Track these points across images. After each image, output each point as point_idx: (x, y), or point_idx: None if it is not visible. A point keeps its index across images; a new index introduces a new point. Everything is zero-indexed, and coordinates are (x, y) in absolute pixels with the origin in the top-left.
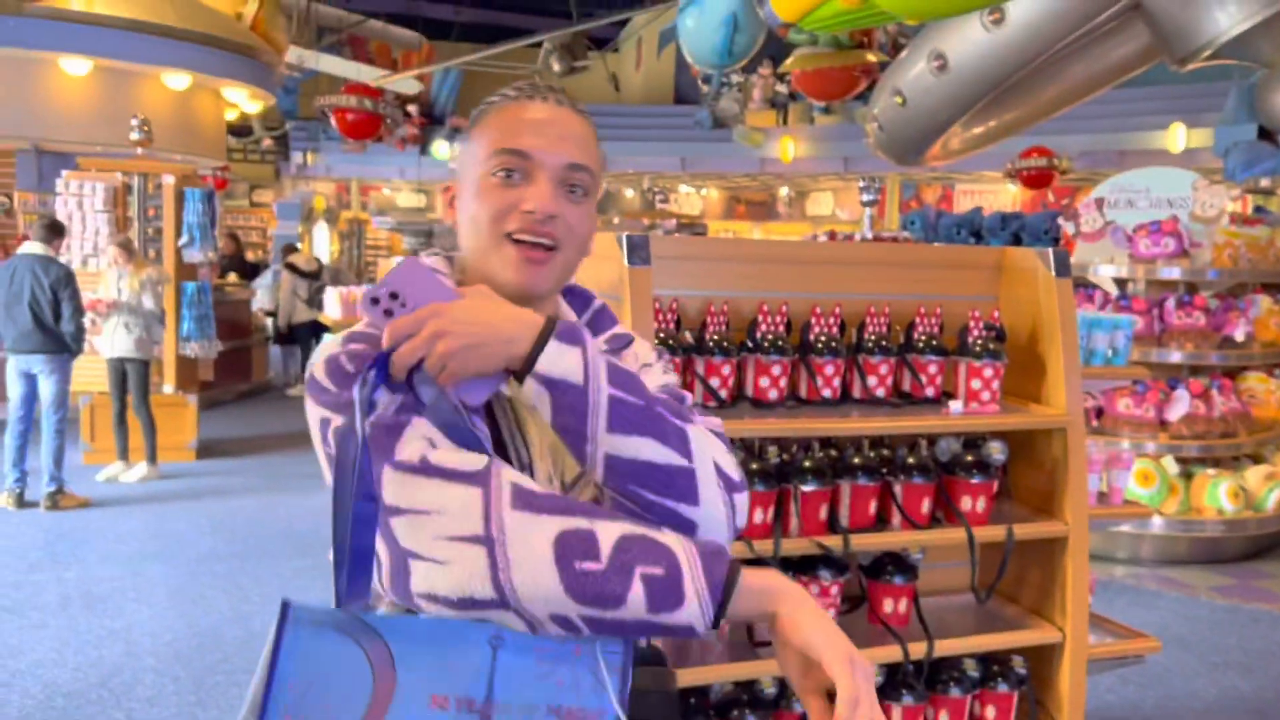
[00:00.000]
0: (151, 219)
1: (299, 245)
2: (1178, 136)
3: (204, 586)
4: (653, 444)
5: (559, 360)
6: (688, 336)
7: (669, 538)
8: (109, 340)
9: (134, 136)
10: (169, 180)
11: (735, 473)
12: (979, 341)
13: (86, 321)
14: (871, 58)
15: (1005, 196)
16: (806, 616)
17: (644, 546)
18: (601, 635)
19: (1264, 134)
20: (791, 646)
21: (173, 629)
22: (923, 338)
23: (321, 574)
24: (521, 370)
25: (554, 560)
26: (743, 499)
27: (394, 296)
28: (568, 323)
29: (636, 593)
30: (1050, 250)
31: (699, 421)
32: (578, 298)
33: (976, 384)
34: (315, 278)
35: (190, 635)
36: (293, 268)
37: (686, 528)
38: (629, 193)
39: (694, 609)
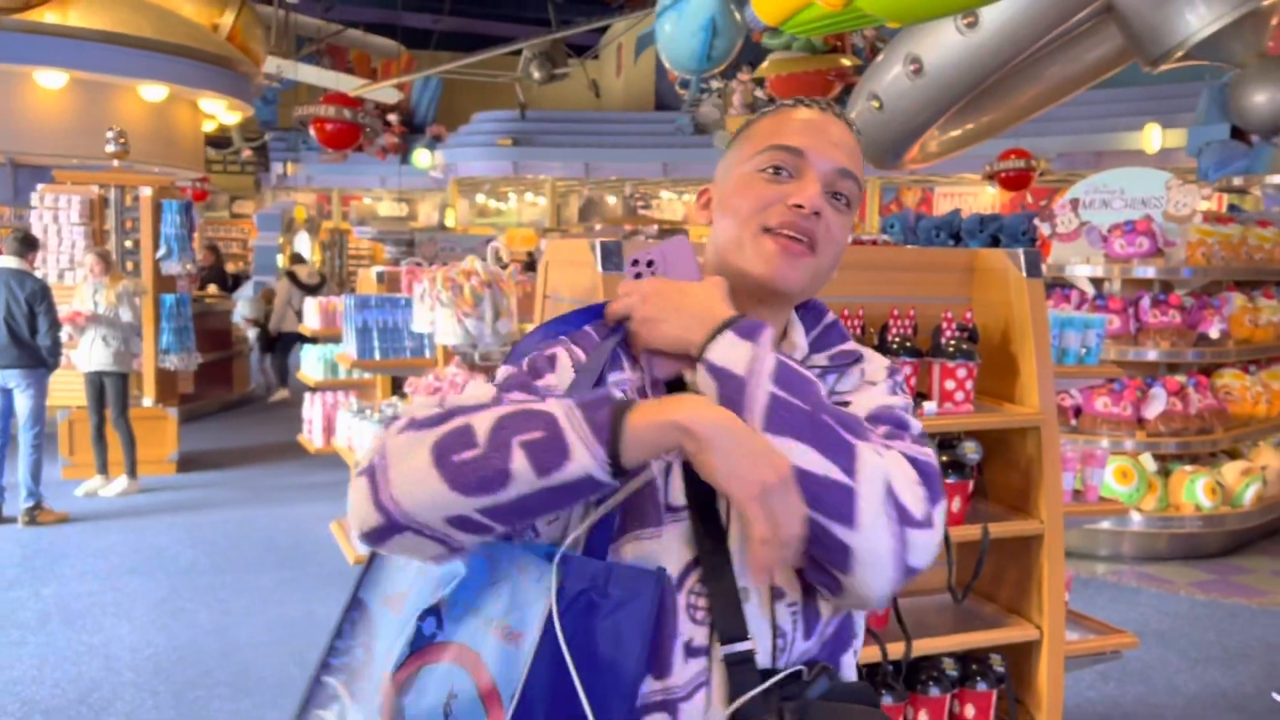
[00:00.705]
0: (129, 231)
1: (306, 257)
2: (1153, 137)
3: (184, 600)
4: (810, 452)
5: (728, 351)
6: None
7: (549, 404)
8: (86, 354)
9: (110, 149)
10: (146, 192)
11: (918, 507)
12: (952, 342)
13: (64, 335)
14: (846, 62)
15: (985, 198)
16: (711, 456)
17: (520, 418)
18: (515, 529)
19: (1236, 133)
20: None
21: (153, 643)
22: (897, 339)
23: (302, 586)
24: (695, 356)
25: (433, 464)
26: (922, 536)
27: (650, 264)
28: (750, 321)
29: (519, 463)
30: (1021, 251)
31: (898, 447)
32: (811, 311)
33: (950, 384)
34: (314, 291)
35: (170, 649)
36: (293, 277)
37: (839, 551)
38: (611, 199)
39: (582, 458)
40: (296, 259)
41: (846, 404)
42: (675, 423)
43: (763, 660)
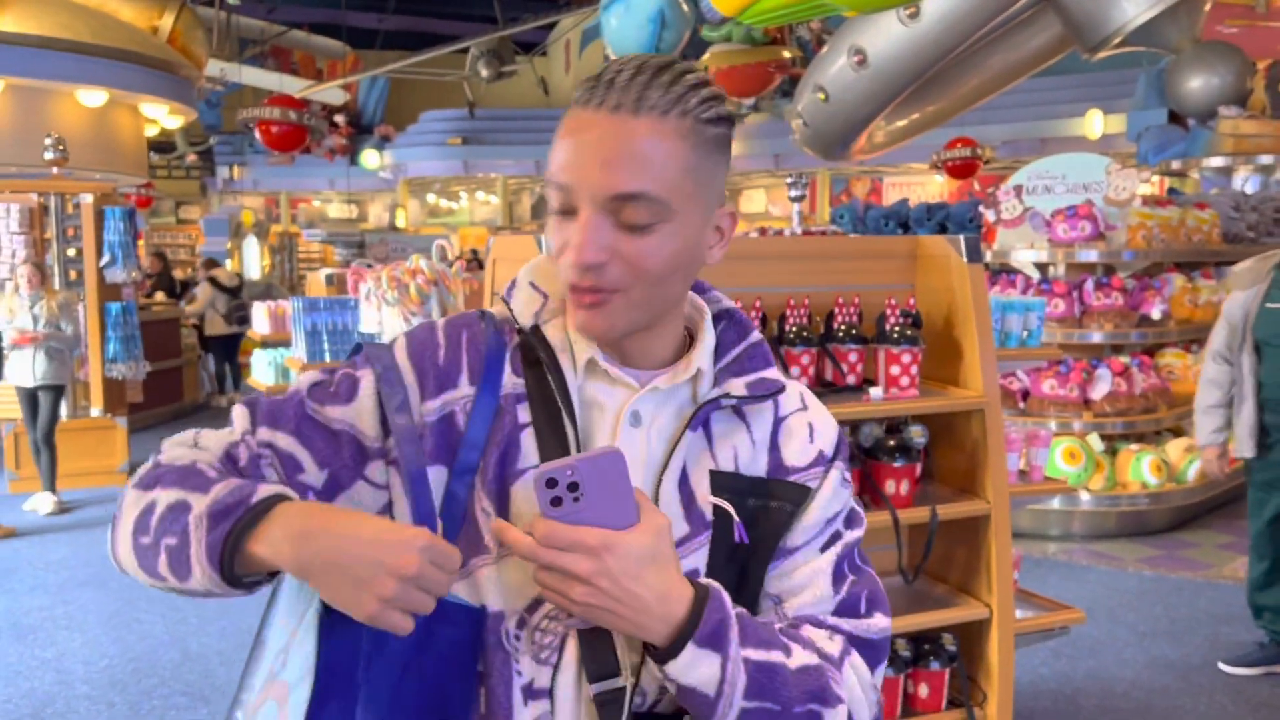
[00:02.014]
0: (71, 239)
1: (225, 261)
2: (1094, 123)
3: (138, 611)
4: None
5: (693, 669)
6: None
7: (197, 497)
8: (25, 368)
9: (48, 155)
10: (87, 199)
11: (870, 711)
12: (896, 329)
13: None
14: (786, 54)
15: (933, 187)
16: (321, 589)
17: (174, 514)
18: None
19: (1174, 118)
20: None
21: (107, 655)
22: (842, 327)
23: (259, 594)
24: (650, 654)
25: (130, 537)
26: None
27: (573, 488)
28: (713, 619)
29: (164, 565)
30: (961, 237)
31: (848, 629)
32: (735, 326)
33: (895, 370)
34: (235, 294)
35: (125, 661)
36: (214, 281)
37: None
38: None
39: (199, 576)
40: (212, 263)
41: (783, 464)
42: (281, 560)
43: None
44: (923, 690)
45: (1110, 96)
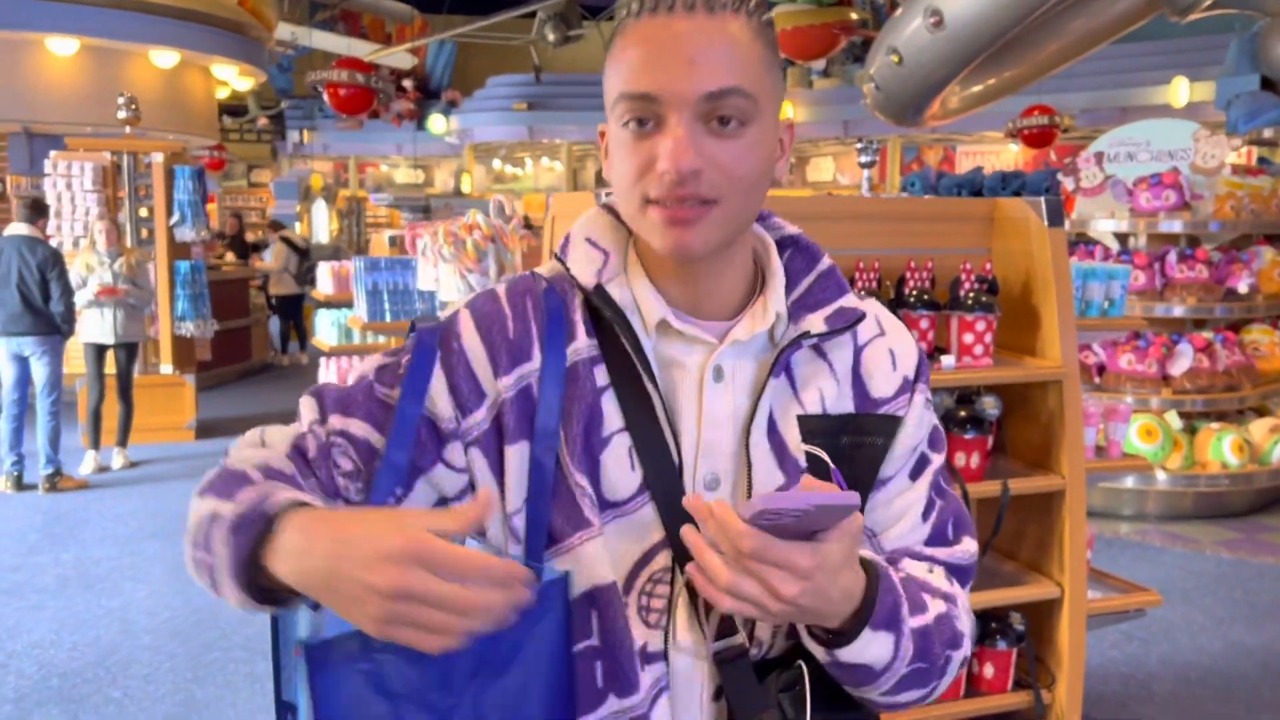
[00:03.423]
0: (142, 198)
1: (294, 225)
2: (1180, 90)
3: None
4: (912, 693)
5: (866, 650)
6: None
7: (228, 506)
8: (101, 325)
9: (121, 115)
10: (157, 158)
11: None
12: (971, 295)
13: (80, 302)
14: (854, 15)
15: (1007, 157)
16: (330, 605)
17: (208, 527)
18: None
19: (1266, 84)
20: None
21: (170, 606)
22: (914, 292)
23: None
24: (819, 636)
25: (188, 548)
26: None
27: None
28: (888, 601)
29: (206, 583)
30: (1041, 199)
31: (943, 558)
32: (803, 253)
33: (969, 338)
34: (305, 255)
35: (187, 613)
36: (288, 241)
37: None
38: None
39: (231, 594)
40: (278, 225)
41: (869, 396)
42: (289, 578)
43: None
44: (988, 670)
45: (1196, 64)
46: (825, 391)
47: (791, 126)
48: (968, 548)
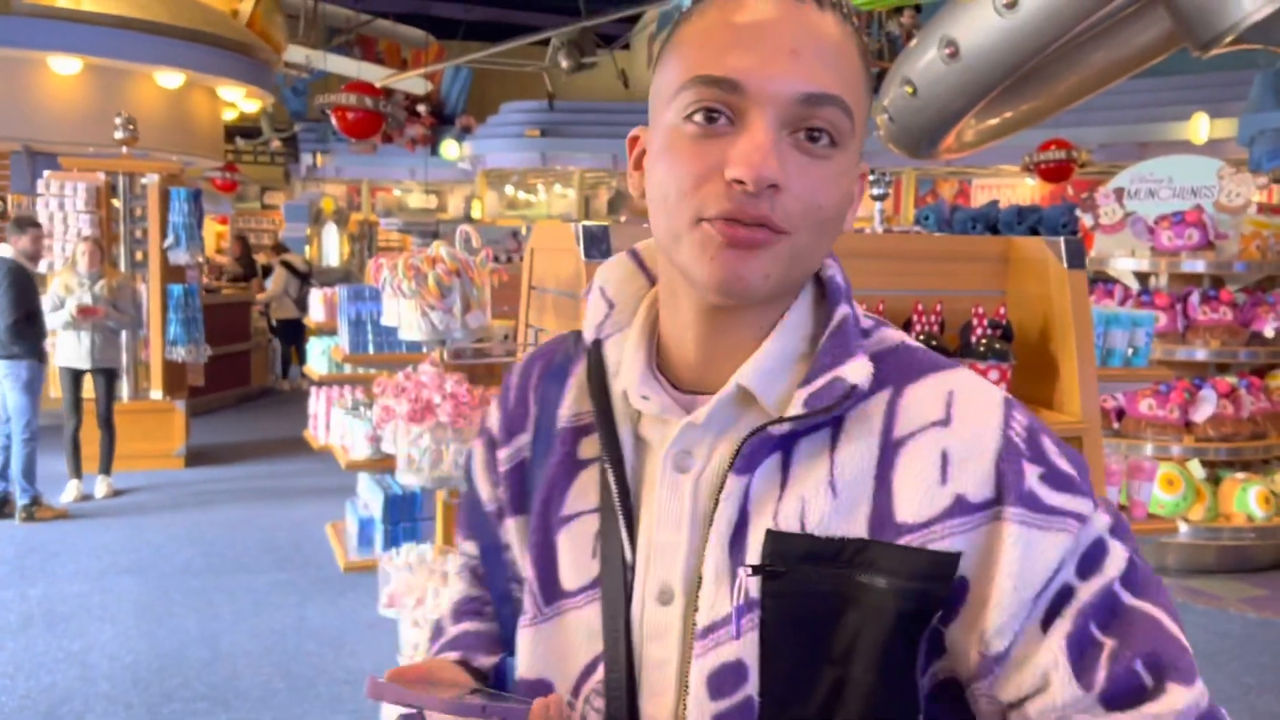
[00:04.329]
0: (138, 220)
1: (304, 248)
2: (1200, 127)
3: (173, 603)
4: None
5: None
6: None
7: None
8: (83, 350)
9: (119, 135)
10: (152, 179)
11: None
12: (983, 341)
13: (58, 325)
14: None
15: (1024, 191)
16: None
17: None
18: None
19: None
20: None
21: (134, 650)
22: (920, 337)
23: (296, 590)
24: None
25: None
26: None
27: None
28: None
29: None
30: (1061, 239)
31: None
32: (827, 299)
33: None
34: (307, 279)
35: (152, 657)
36: (288, 265)
37: None
38: None
39: None
40: (282, 248)
41: (889, 516)
42: None
43: None
44: None
45: (1217, 99)
46: (810, 502)
47: (865, 176)
48: (1178, 700)
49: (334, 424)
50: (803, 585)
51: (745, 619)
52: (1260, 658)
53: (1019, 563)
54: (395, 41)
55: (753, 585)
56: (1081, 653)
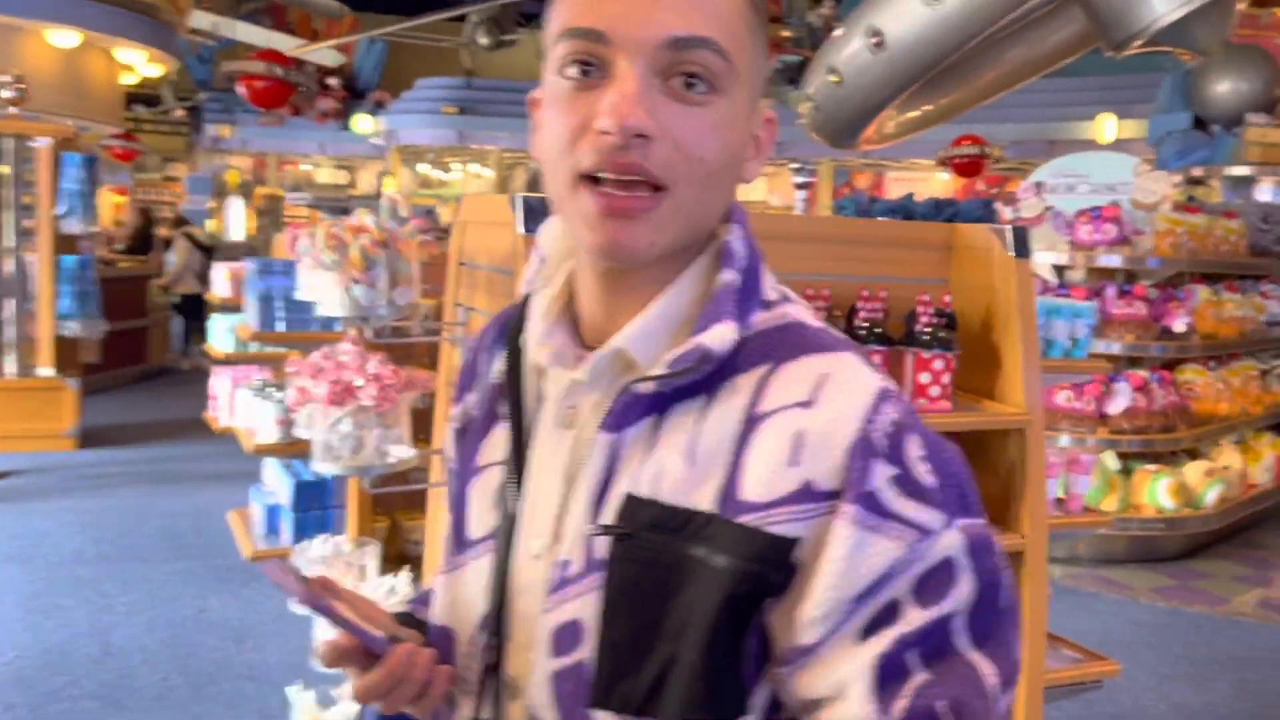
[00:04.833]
0: (26, 185)
1: (204, 221)
2: (1106, 127)
3: (61, 594)
4: None
5: None
6: None
7: None
8: None
9: (5, 95)
10: (43, 143)
11: None
12: (928, 330)
13: None
14: (785, 33)
15: (936, 185)
16: None
17: None
18: None
19: (1198, 123)
20: None
21: (17, 645)
22: (865, 324)
23: (197, 580)
24: None
25: None
26: None
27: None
28: None
29: None
30: (1008, 227)
31: None
32: (727, 256)
33: (925, 378)
34: (211, 253)
35: (38, 653)
36: (191, 238)
37: None
38: None
39: None
40: (183, 221)
41: (734, 494)
42: None
43: None
44: None
45: (1124, 100)
46: (666, 468)
47: (773, 121)
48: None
49: (239, 406)
50: (646, 553)
51: (590, 578)
52: (1173, 648)
53: (842, 562)
54: (307, 11)
55: (602, 546)
56: (889, 676)
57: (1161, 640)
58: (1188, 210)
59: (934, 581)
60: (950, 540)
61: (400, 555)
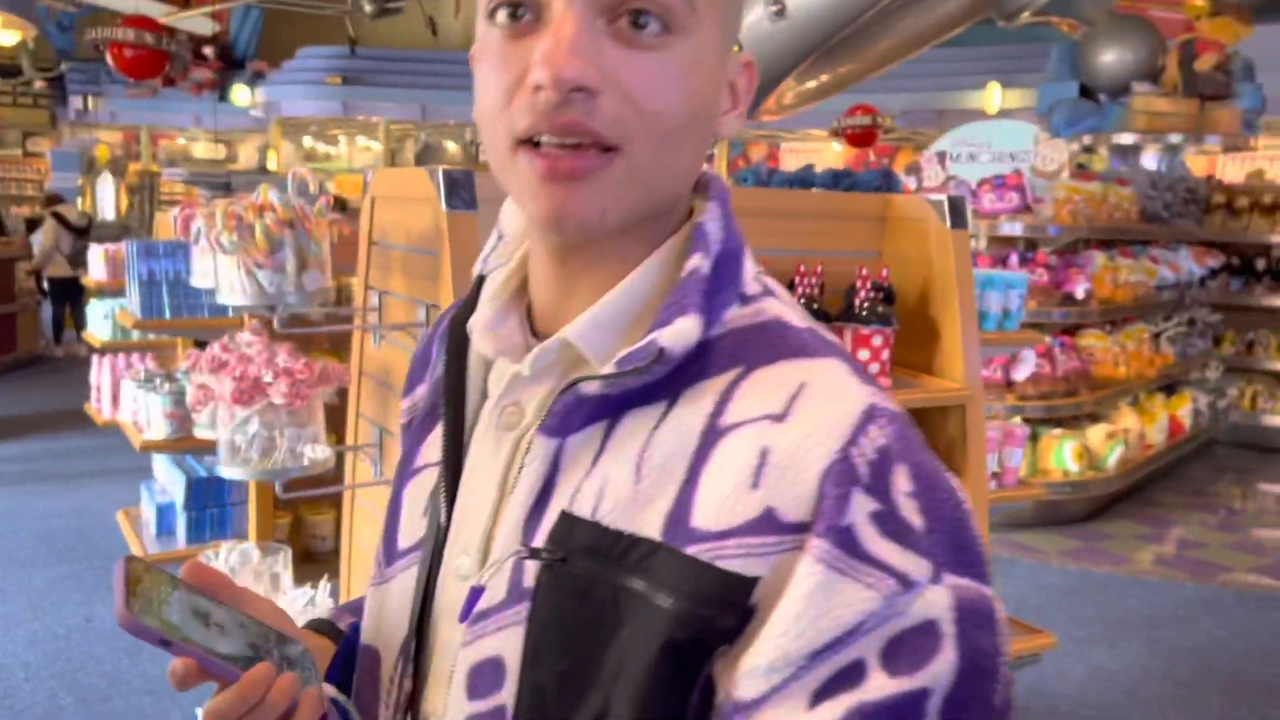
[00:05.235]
0: None
1: (75, 199)
2: (994, 96)
3: None
4: None
5: None
6: None
7: None
8: None
9: None
10: None
11: None
12: (866, 305)
13: None
14: None
15: (829, 155)
16: None
17: None
18: None
19: (1085, 92)
20: None
21: None
22: (803, 300)
23: (83, 586)
24: None
25: None
26: None
27: None
28: None
29: None
30: (944, 197)
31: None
32: (700, 239)
33: (865, 354)
34: (83, 234)
35: None
36: (60, 218)
37: None
38: (450, 145)
39: None
40: (55, 199)
41: (684, 520)
42: None
43: None
44: None
45: (1012, 70)
46: (610, 483)
47: (752, 66)
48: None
49: (123, 398)
50: (578, 583)
51: (514, 609)
52: (1085, 610)
53: (800, 604)
54: None
55: (531, 572)
56: None
57: (1074, 603)
58: (1084, 178)
59: (909, 646)
60: (936, 598)
61: (306, 552)
